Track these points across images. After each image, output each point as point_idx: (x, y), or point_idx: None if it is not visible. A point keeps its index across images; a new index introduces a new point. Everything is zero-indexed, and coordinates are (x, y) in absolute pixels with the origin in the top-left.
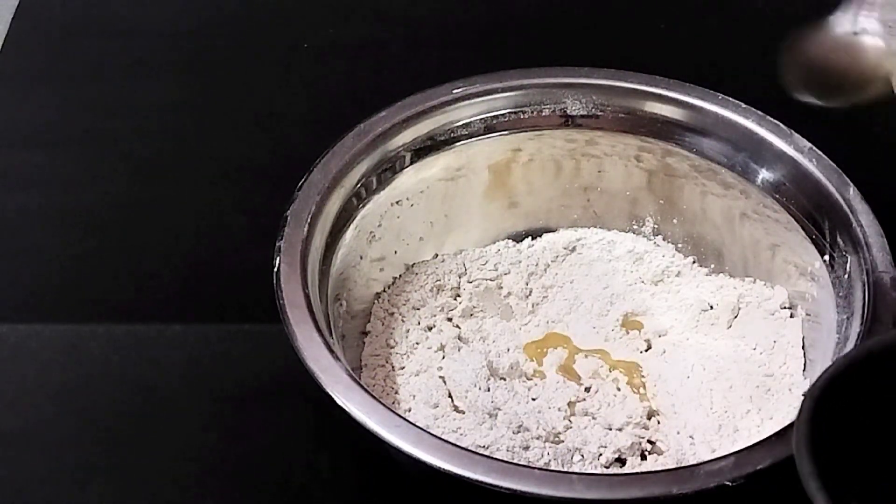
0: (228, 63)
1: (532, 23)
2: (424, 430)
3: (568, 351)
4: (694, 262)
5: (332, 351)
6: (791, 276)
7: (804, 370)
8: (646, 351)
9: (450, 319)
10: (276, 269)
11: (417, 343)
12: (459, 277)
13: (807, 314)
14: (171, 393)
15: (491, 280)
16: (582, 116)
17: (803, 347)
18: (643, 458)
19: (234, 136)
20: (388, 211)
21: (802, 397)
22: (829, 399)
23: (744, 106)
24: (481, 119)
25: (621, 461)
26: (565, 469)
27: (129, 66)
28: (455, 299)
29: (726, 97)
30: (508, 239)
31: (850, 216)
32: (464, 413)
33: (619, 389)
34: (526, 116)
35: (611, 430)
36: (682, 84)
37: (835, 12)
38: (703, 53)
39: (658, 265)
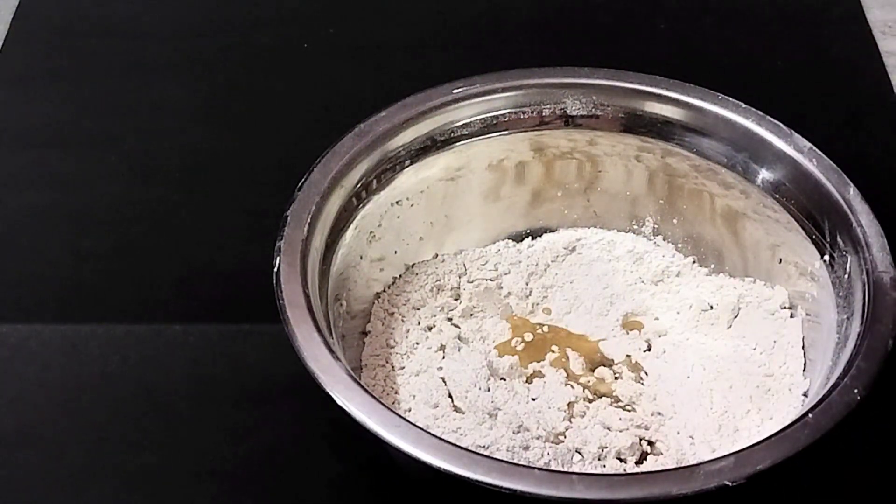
0: (228, 63)
1: (532, 23)
2: (424, 430)
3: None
4: (694, 262)
5: (332, 351)
6: (791, 276)
7: (804, 370)
8: (646, 351)
9: (450, 319)
10: (276, 269)
11: (417, 343)
12: (459, 277)
13: (807, 314)
14: (171, 393)
15: (491, 280)
16: (582, 116)
17: (803, 347)
18: (643, 458)
19: (234, 135)
20: (388, 211)
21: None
22: None
23: (744, 106)
24: (481, 119)
25: (621, 461)
26: (565, 469)
27: (129, 66)
28: (455, 299)
29: (726, 97)
30: (508, 239)
31: (850, 216)
32: (464, 413)
33: (616, 390)
34: (526, 116)
35: (611, 430)
36: (682, 84)
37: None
38: (703, 53)
39: (658, 265)
